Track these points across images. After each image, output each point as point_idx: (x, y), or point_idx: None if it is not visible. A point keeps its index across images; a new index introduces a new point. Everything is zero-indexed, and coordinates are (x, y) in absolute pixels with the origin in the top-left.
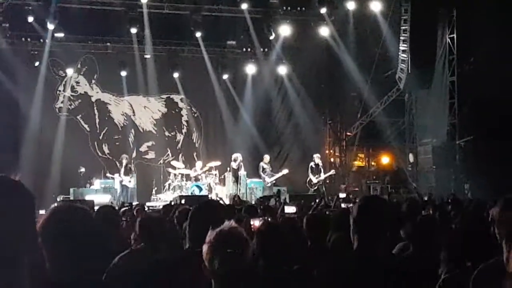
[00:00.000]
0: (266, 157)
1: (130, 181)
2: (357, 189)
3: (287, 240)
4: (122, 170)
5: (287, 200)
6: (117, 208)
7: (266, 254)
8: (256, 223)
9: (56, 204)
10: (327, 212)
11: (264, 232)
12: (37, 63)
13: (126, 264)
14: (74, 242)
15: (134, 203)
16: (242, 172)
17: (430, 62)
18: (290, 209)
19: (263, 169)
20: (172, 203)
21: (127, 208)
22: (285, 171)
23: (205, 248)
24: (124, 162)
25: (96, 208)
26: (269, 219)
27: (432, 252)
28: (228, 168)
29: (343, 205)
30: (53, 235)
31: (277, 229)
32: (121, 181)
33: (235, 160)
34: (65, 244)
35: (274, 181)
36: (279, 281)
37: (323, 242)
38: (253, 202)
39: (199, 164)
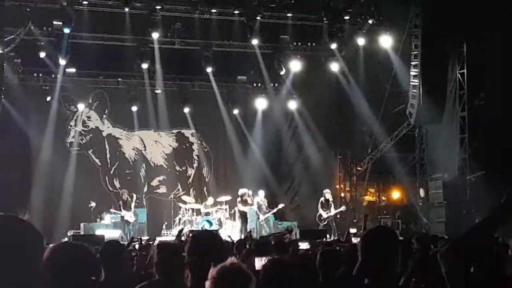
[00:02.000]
0: (261, 193)
1: (131, 217)
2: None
3: (291, 276)
4: (121, 205)
5: (298, 236)
6: (126, 243)
7: None
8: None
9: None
10: (337, 248)
11: (269, 269)
12: (48, 98)
13: None
14: (75, 279)
15: (144, 238)
16: (254, 207)
17: (440, 97)
18: (303, 245)
19: (259, 205)
20: (183, 238)
21: (136, 243)
22: (280, 206)
23: (208, 284)
24: (124, 197)
25: None
26: (275, 256)
27: None
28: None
29: (353, 240)
30: (53, 273)
31: (283, 265)
32: (122, 217)
33: (241, 196)
34: (67, 280)
35: (268, 218)
36: None
37: (334, 277)
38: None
39: (211, 200)
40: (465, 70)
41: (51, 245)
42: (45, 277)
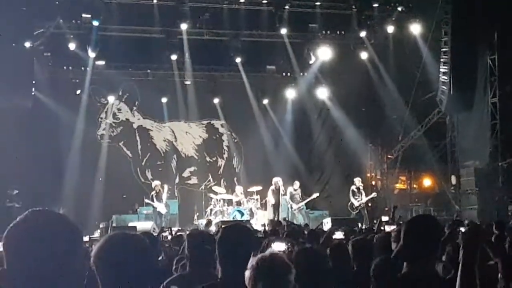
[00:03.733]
0: (296, 183)
1: (163, 208)
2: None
3: (323, 265)
4: (154, 196)
5: (330, 225)
6: (155, 234)
7: (299, 280)
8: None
9: (109, 234)
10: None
11: (300, 257)
12: (78, 91)
13: None
14: (130, 270)
15: (175, 228)
16: (286, 197)
17: (471, 83)
18: (338, 235)
19: (292, 195)
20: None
21: (166, 233)
22: (315, 195)
23: (248, 273)
24: (157, 189)
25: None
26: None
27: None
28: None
29: (387, 228)
30: (108, 263)
31: (314, 253)
32: (155, 208)
33: (275, 184)
34: (121, 272)
35: (302, 207)
36: None
37: (368, 266)
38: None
39: (240, 188)
40: (496, 56)
41: (104, 235)
42: (97, 267)
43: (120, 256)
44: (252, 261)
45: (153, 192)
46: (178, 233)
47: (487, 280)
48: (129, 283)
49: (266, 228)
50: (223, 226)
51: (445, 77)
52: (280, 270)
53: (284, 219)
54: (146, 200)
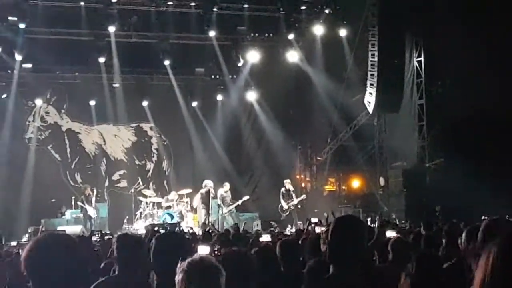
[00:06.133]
0: (226, 185)
1: (93, 211)
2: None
3: (249, 266)
4: (84, 200)
5: (259, 227)
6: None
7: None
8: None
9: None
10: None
11: (225, 259)
12: (4, 95)
13: None
14: (60, 269)
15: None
16: (216, 199)
17: (398, 85)
18: (265, 238)
19: (222, 197)
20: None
21: (96, 236)
22: (245, 198)
23: (178, 277)
24: (87, 192)
25: None
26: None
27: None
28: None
29: (317, 229)
30: (38, 263)
31: (239, 255)
32: (86, 212)
33: (205, 187)
34: (51, 271)
35: (232, 210)
36: None
37: (295, 267)
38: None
39: (172, 193)
40: (422, 58)
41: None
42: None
43: (50, 255)
44: (182, 265)
45: (82, 196)
46: (108, 237)
47: None
48: (60, 283)
49: (197, 232)
50: (156, 234)
51: (373, 79)
52: (211, 272)
53: (212, 223)
54: (78, 203)
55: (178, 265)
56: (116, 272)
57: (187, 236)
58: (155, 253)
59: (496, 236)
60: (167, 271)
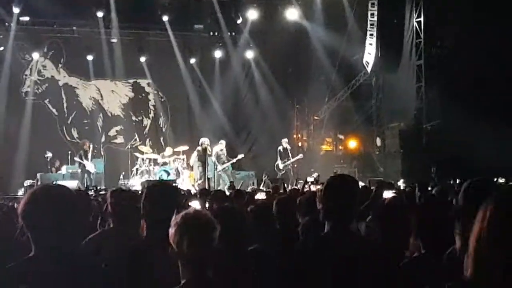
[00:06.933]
0: (222, 143)
1: (91, 166)
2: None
3: (241, 223)
4: (82, 155)
5: (255, 185)
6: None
7: (224, 236)
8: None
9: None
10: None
11: (218, 216)
12: (1, 48)
13: (96, 247)
14: (60, 220)
15: (100, 187)
16: (212, 157)
17: (397, 46)
18: (260, 195)
19: (218, 155)
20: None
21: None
22: (240, 156)
23: (172, 230)
24: (85, 147)
25: None
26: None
27: (400, 236)
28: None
29: (312, 188)
30: (37, 214)
31: (232, 212)
32: (84, 167)
33: (201, 144)
34: (51, 222)
35: (227, 167)
36: (239, 261)
37: (292, 225)
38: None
39: (168, 149)
40: (421, 19)
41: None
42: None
43: (48, 206)
44: (176, 218)
45: (81, 151)
46: (103, 192)
47: None
48: (60, 235)
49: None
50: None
51: (372, 39)
52: (205, 226)
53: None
54: (76, 158)
55: (173, 218)
56: (111, 225)
57: (182, 192)
58: (147, 202)
59: (477, 196)
60: (158, 221)
